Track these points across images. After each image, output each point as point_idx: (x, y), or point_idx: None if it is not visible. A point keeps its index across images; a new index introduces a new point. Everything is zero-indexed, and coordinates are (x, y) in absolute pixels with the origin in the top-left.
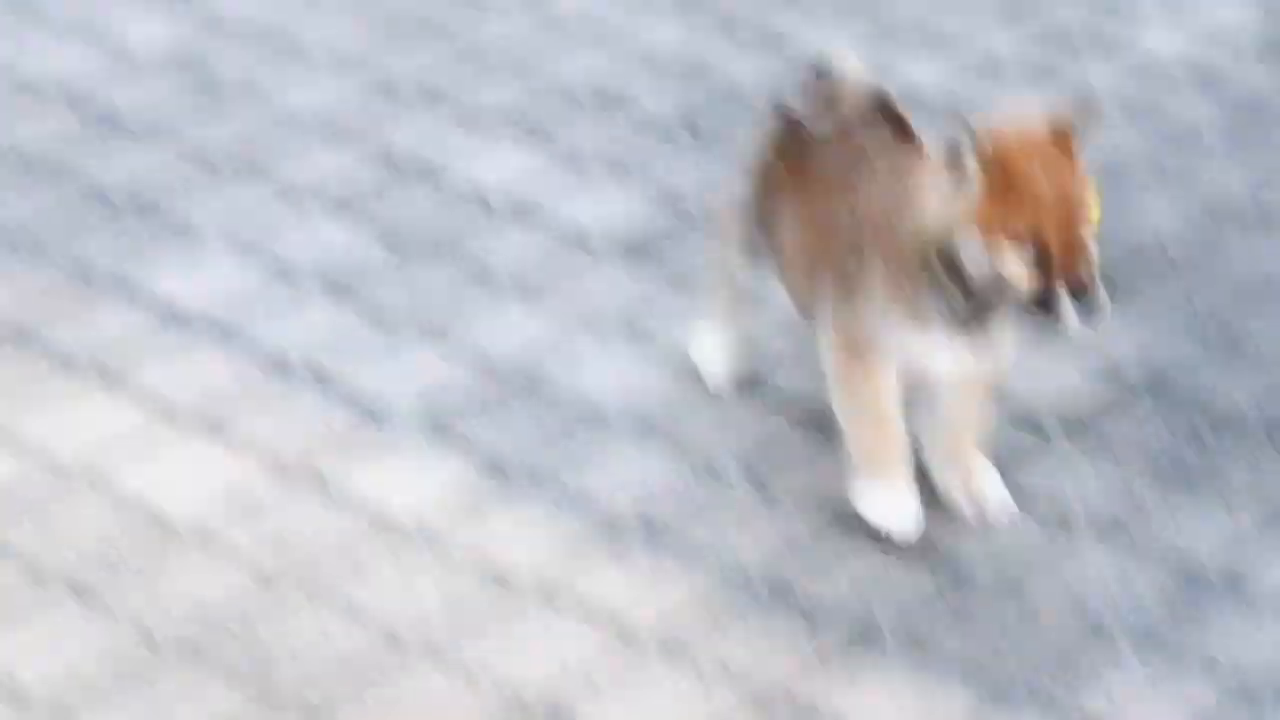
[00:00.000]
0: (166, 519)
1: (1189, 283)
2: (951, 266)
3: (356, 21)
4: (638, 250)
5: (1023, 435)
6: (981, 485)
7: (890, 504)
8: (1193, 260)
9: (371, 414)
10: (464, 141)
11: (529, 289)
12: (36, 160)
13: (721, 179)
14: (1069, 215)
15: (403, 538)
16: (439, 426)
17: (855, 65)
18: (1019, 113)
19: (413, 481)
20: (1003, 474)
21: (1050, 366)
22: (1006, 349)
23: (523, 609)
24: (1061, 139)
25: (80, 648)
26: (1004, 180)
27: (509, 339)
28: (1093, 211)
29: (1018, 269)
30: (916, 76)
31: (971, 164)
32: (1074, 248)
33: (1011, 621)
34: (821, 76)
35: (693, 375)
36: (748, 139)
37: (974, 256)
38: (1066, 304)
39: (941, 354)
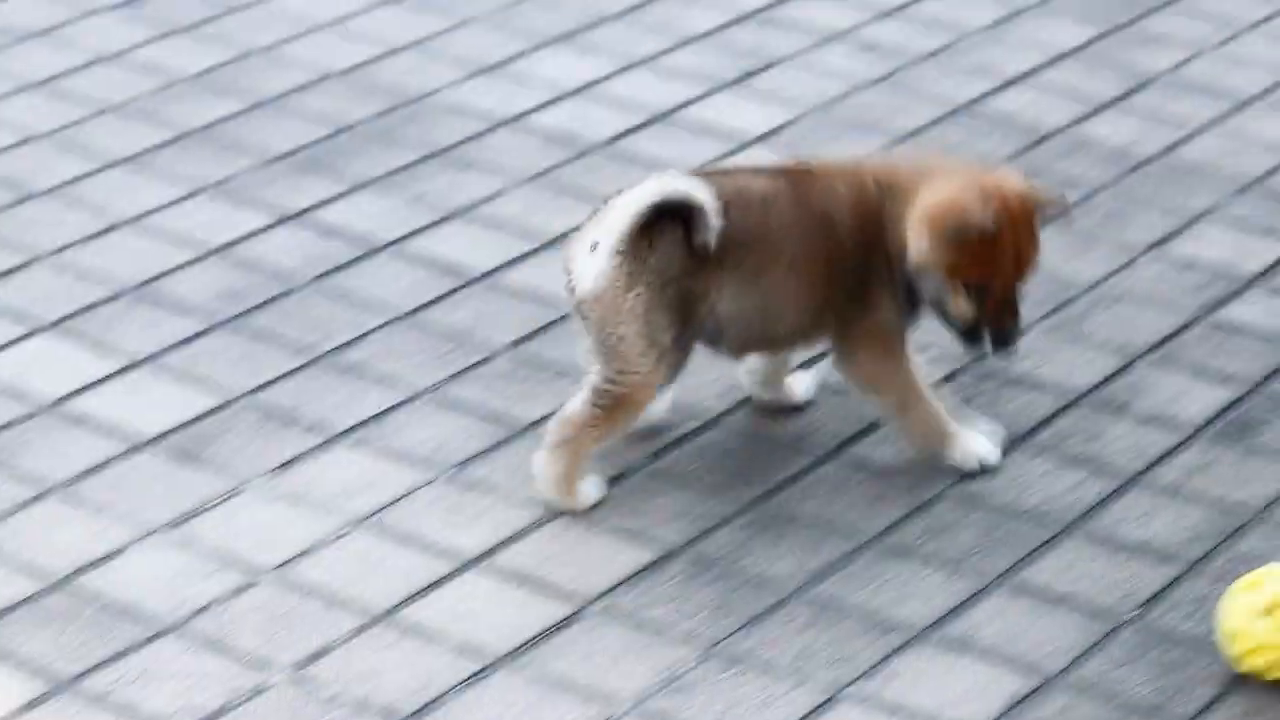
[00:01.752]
0: None
1: None
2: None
3: None
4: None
5: None
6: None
7: (974, 445)
8: None
9: None
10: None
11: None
12: None
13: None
14: (1016, 277)
15: None
16: None
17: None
18: (1010, 176)
19: None
20: None
21: None
22: None
23: None
24: (1034, 209)
25: None
26: (982, 240)
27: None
28: (1033, 272)
29: (963, 308)
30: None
31: (973, 238)
32: (1009, 303)
33: None
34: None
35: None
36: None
37: (933, 288)
38: (988, 341)
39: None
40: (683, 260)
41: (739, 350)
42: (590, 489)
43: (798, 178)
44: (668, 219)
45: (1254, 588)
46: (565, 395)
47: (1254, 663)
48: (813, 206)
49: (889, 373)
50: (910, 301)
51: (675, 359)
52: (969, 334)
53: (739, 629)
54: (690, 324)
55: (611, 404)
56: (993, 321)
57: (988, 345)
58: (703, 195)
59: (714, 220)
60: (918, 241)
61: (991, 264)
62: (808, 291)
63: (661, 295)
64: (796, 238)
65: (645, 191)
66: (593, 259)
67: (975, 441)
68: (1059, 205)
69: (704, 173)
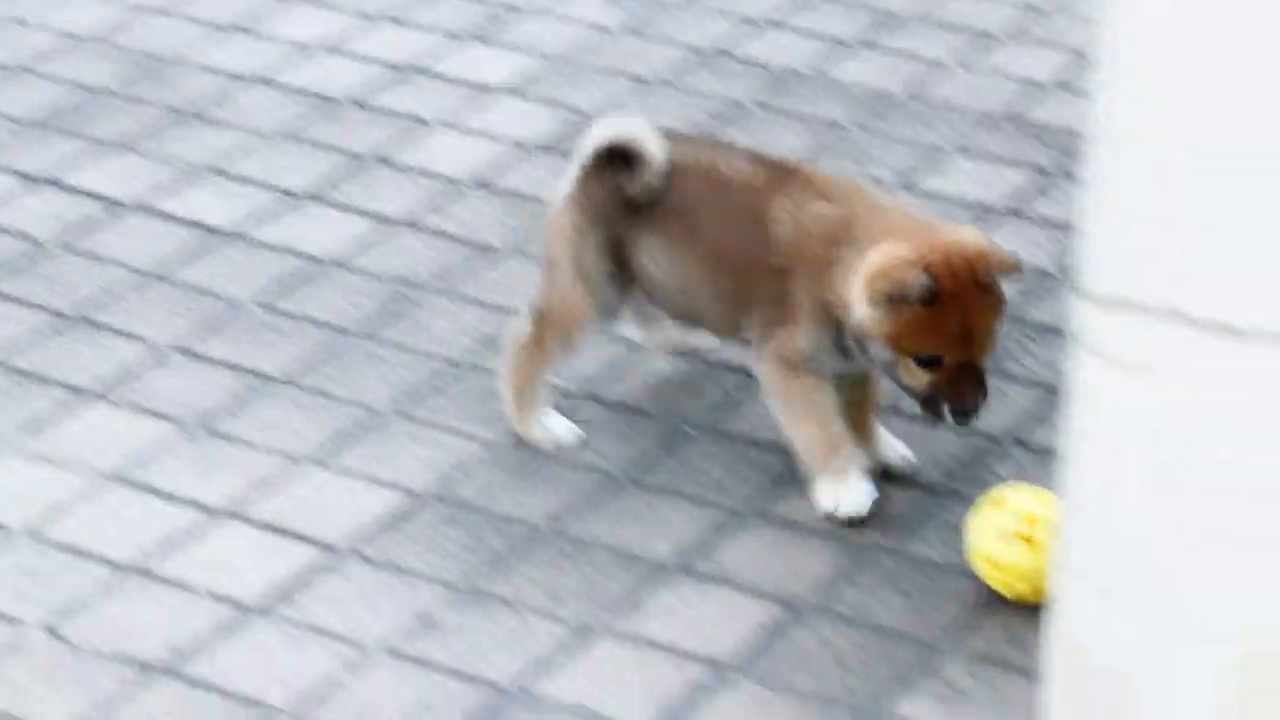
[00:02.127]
0: None
1: None
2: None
3: None
4: None
5: None
6: (887, 446)
7: (840, 490)
8: None
9: None
10: None
11: None
12: None
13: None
14: (973, 348)
15: None
16: None
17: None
18: (968, 237)
19: None
20: None
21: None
22: None
23: None
24: (989, 274)
25: None
26: (923, 309)
27: None
28: (997, 343)
29: (913, 379)
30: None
31: (911, 306)
32: (968, 376)
33: None
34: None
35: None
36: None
37: (880, 355)
38: (947, 413)
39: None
40: (618, 205)
41: (673, 316)
42: (559, 428)
43: (776, 181)
44: (622, 163)
45: (998, 504)
46: (312, 346)
47: (1019, 589)
48: (760, 209)
49: (784, 391)
50: (843, 350)
51: (605, 297)
52: (925, 404)
53: (489, 569)
54: (620, 269)
55: (540, 322)
56: (950, 394)
57: (946, 415)
58: (652, 149)
59: (651, 176)
60: (859, 305)
61: (936, 335)
62: (726, 282)
63: (593, 231)
64: (725, 230)
65: (601, 131)
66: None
67: (843, 488)
68: (1014, 267)
69: (686, 137)
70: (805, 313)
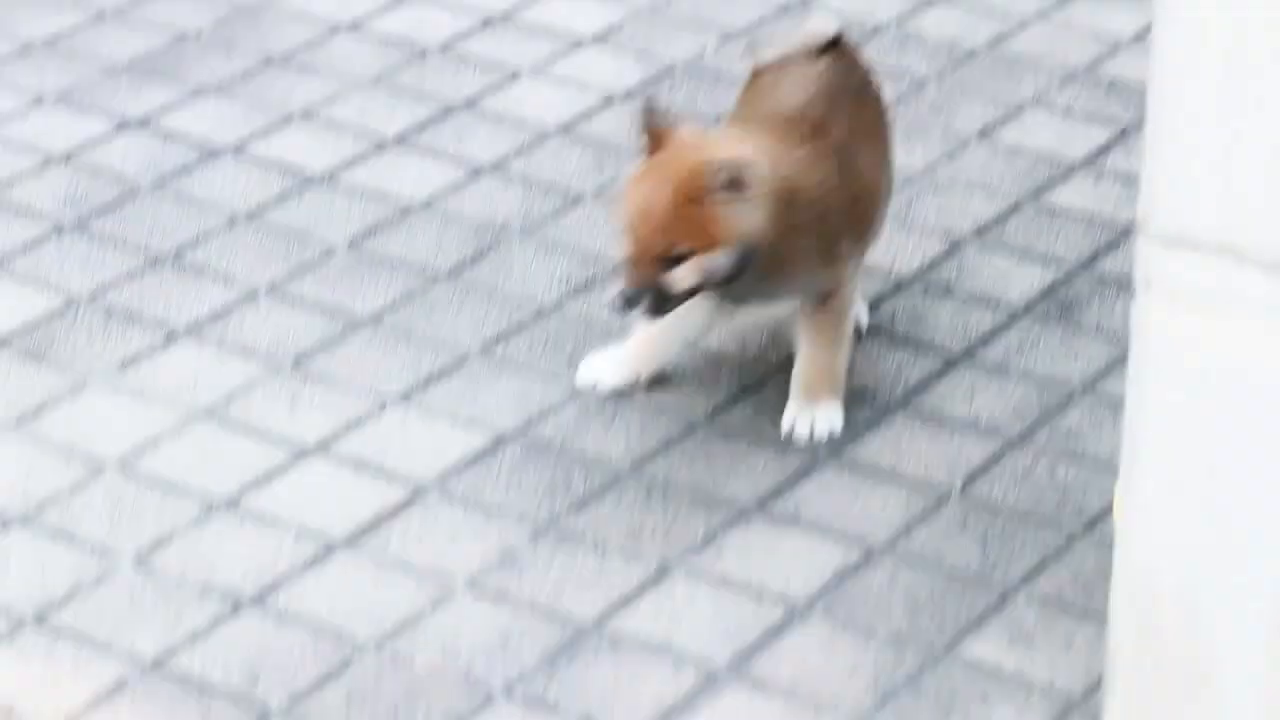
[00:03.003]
0: None
1: None
2: None
3: None
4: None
5: None
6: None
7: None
8: None
9: None
10: None
11: None
12: None
13: None
14: (653, 233)
15: None
16: None
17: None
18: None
19: None
20: None
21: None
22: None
23: None
24: (698, 177)
25: None
26: (639, 171)
27: None
28: (698, 243)
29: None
30: None
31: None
32: (642, 260)
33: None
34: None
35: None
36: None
37: None
38: (614, 291)
39: None
40: None
41: None
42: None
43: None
44: None
45: None
46: (401, 288)
47: None
48: None
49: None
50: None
51: None
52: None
53: (571, 508)
54: None
55: None
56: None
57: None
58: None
59: None
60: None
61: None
62: None
63: None
64: None
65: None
66: None
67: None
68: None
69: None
70: None
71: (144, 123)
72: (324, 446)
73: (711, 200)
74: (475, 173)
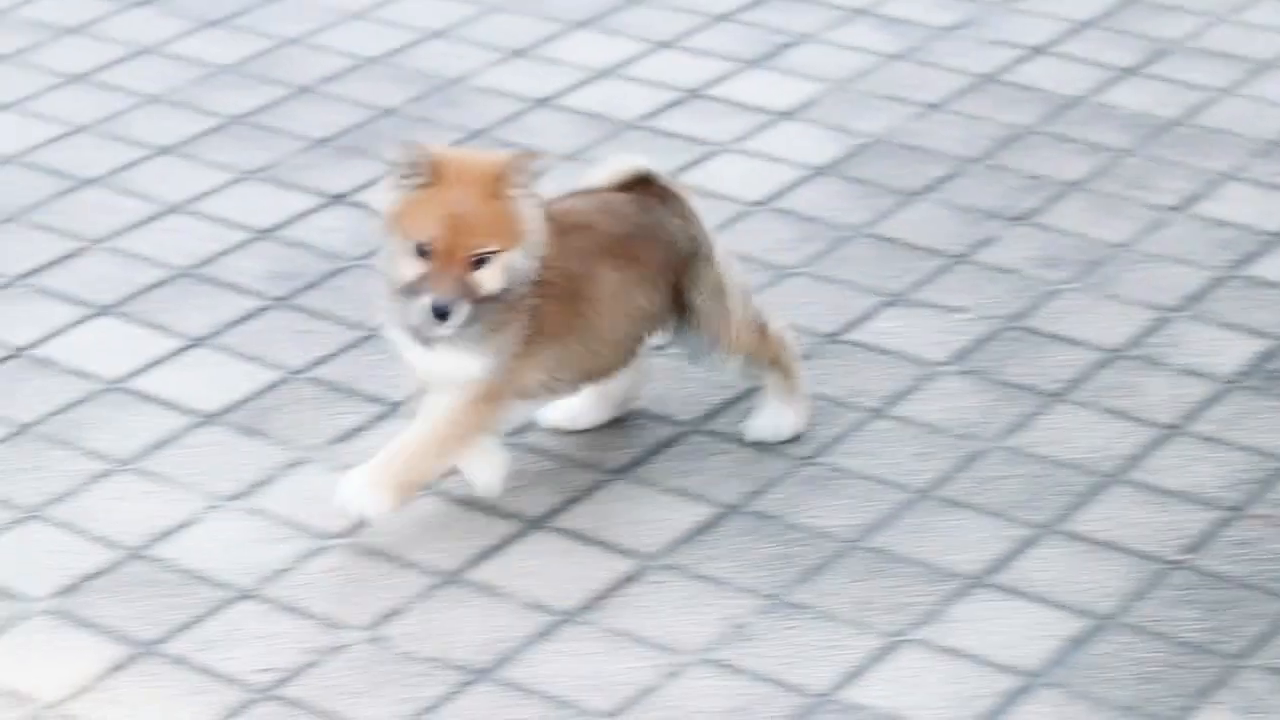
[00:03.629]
0: None
1: None
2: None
3: None
4: None
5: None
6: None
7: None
8: None
9: None
10: None
11: None
12: None
13: None
14: (459, 236)
15: None
16: None
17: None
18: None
19: None
20: None
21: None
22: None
23: None
24: (498, 173)
25: None
26: (424, 191)
27: None
28: (502, 241)
29: (404, 262)
30: None
31: (409, 174)
32: (451, 266)
33: None
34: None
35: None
36: None
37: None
38: (424, 305)
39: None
40: None
41: None
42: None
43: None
44: None
45: None
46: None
47: None
48: None
49: None
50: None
51: None
52: (407, 291)
53: (798, 580)
54: None
55: None
56: (429, 284)
57: (420, 313)
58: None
59: None
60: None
61: (427, 213)
62: None
63: None
64: None
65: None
66: None
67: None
68: (531, 161)
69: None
70: None
71: (345, 198)
72: (547, 519)
73: (511, 196)
74: None
